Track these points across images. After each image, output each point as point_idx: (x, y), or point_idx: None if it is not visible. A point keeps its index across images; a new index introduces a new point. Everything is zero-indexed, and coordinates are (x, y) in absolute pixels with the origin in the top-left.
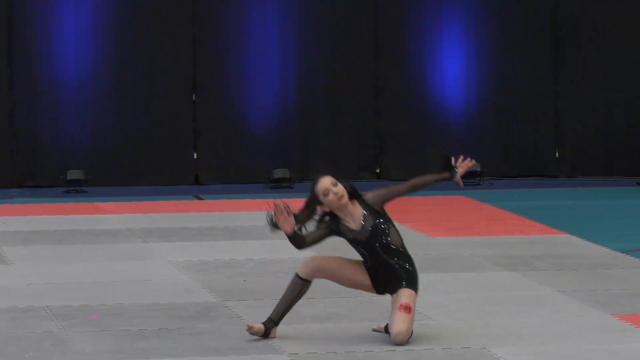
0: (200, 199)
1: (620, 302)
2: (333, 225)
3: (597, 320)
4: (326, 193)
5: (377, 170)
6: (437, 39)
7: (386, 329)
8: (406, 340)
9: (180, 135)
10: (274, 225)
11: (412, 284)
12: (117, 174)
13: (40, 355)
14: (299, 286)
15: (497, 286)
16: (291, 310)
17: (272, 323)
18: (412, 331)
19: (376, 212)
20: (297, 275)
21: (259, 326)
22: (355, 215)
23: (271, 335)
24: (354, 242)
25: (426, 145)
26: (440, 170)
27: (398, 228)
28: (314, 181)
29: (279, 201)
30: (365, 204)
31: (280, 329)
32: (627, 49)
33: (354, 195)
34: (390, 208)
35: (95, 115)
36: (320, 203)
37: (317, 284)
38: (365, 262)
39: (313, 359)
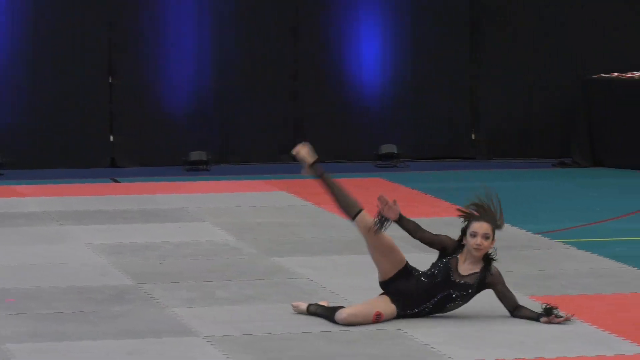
0: (117, 181)
1: (536, 283)
2: (451, 249)
3: None
4: (473, 234)
5: None
6: (354, 21)
7: (309, 309)
8: (344, 322)
9: (96, 118)
10: (382, 222)
11: (402, 317)
12: (33, 157)
13: None
14: (351, 209)
15: None
16: (207, 292)
17: (322, 171)
18: (349, 324)
19: (480, 285)
20: (360, 211)
21: (309, 157)
22: (473, 267)
23: (312, 171)
24: (445, 271)
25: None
26: (538, 313)
27: (320, 210)
28: (478, 216)
29: (383, 196)
30: (485, 273)
31: (195, 310)
32: (544, 32)
33: (487, 260)
34: (306, 190)
35: (10, 98)
36: (464, 232)
37: (232, 266)
38: (421, 275)
39: (229, 341)
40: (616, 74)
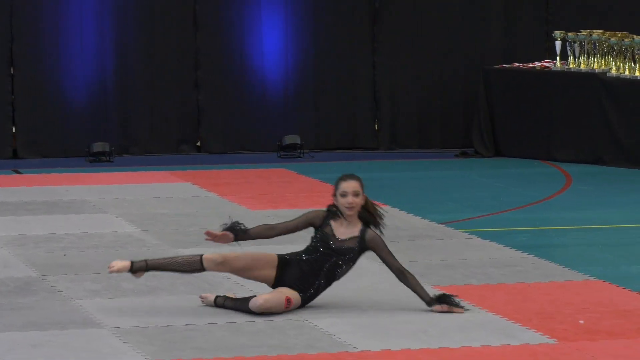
0: (19, 173)
1: (439, 272)
2: (318, 219)
3: None
4: (343, 194)
5: (198, 144)
6: (256, 11)
7: (216, 301)
8: (261, 309)
9: None
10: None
11: (306, 302)
12: None
13: None
14: (194, 265)
15: None
16: (112, 283)
17: (144, 264)
18: (265, 310)
19: (362, 247)
20: (201, 258)
21: (123, 263)
22: (350, 230)
23: (137, 274)
24: (323, 240)
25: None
26: (431, 297)
27: (224, 201)
28: (343, 175)
29: (208, 232)
30: (364, 234)
31: (100, 302)
32: (445, 22)
33: (365, 221)
34: (210, 181)
35: None
36: (334, 195)
37: (137, 258)
38: (301, 254)
39: (135, 332)
40: (517, 64)
